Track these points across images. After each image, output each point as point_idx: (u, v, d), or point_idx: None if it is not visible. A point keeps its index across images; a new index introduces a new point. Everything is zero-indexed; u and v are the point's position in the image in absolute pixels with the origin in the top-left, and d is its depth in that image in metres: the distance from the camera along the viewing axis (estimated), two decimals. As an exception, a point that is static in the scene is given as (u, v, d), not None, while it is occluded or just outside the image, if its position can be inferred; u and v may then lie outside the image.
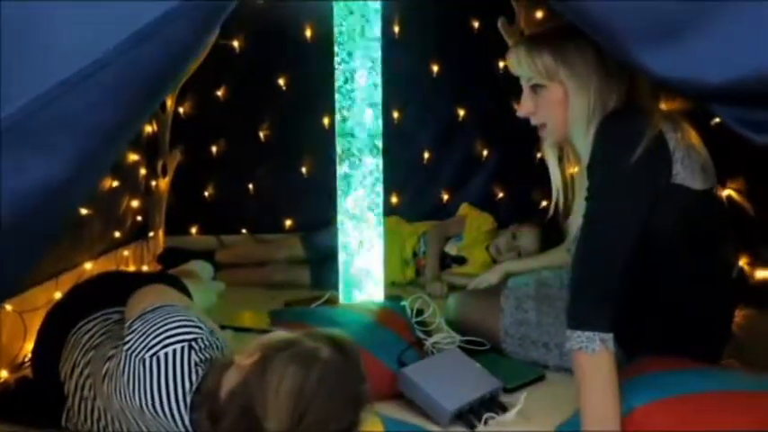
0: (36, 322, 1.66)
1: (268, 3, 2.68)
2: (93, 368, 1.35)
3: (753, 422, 1.22)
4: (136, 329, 1.25)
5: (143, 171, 2.73)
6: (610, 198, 1.31)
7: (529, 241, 2.57)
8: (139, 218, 2.73)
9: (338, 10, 1.97)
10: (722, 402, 1.27)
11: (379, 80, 2.01)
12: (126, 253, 2.58)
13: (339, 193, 2.06)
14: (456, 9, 2.82)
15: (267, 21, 2.72)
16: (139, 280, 1.60)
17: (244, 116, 2.92)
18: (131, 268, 2.59)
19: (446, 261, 2.75)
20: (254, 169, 2.99)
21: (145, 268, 2.68)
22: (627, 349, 1.43)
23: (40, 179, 0.87)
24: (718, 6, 0.95)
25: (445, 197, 3.10)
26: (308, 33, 2.82)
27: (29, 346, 1.73)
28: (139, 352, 1.21)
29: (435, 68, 2.96)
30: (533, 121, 1.49)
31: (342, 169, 2.04)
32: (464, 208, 2.92)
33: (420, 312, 2.06)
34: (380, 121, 2.03)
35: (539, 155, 2.86)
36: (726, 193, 1.63)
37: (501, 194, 3.09)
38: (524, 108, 1.48)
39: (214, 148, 2.95)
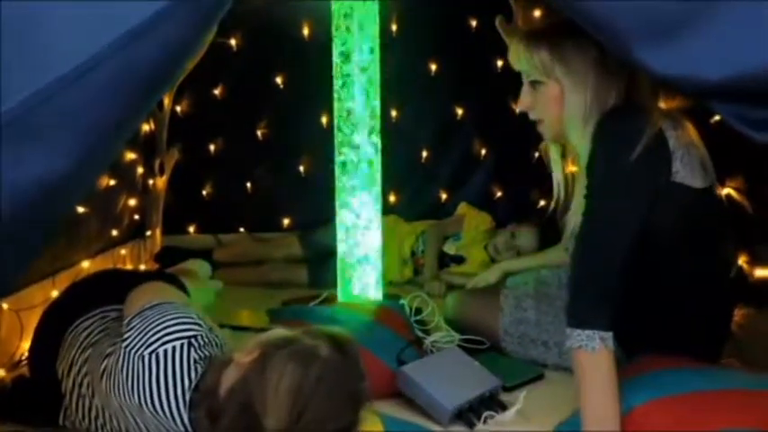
0: (33, 320, 1.65)
1: (266, 1, 2.67)
2: (91, 366, 1.35)
3: (752, 421, 1.22)
4: (134, 326, 1.24)
5: (140, 170, 2.73)
6: (609, 196, 1.31)
7: (527, 240, 2.58)
8: (137, 216, 2.72)
9: (336, 8, 1.96)
10: (721, 401, 1.27)
11: (377, 79, 2.01)
12: (123, 252, 2.57)
13: (337, 191, 2.05)
14: (454, 8, 2.82)
15: (265, 19, 2.72)
16: (137, 278, 1.60)
17: (241, 115, 2.91)
18: (128, 267, 2.58)
19: (444, 260, 2.75)
20: (251, 168, 2.99)
21: (142, 267, 2.67)
22: (626, 348, 1.43)
23: (38, 174, 0.88)
24: (718, 4, 0.95)
25: (443, 196, 3.10)
26: (306, 32, 2.82)
27: (26, 345, 1.73)
28: (138, 349, 1.21)
29: (433, 67, 2.96)
30: (531, 116, 1.49)
31: (339, 168, 2.04)
32: (462, 207, 2.92)
33: (419, 311, 2.06)
34: (378, 120, 2.03)
35: (537, 154, 2.88)
36: (725, 191, 1.63)
37: (499, 194, 3.09)
38: (522, 103, 1.49)
39: (212, 147, 2.95)
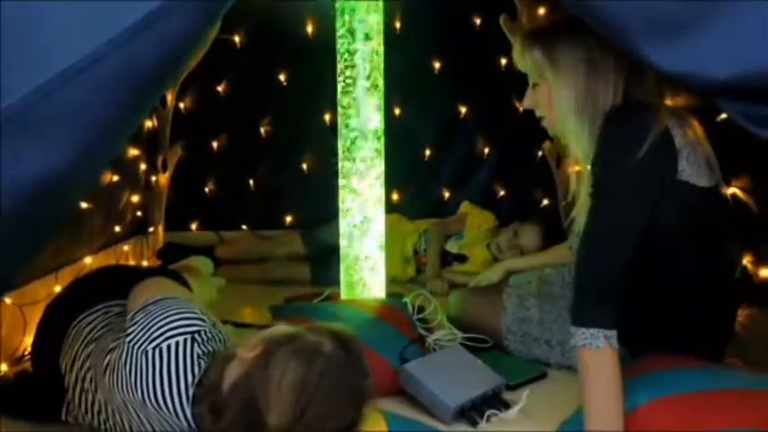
0: (36, 316, 1.65)
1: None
2: (94, 360, 1.35)
3: (755, 421, 1.21)
4: (138, 321, 1.24)
5: (143, 166, 2.73)
6: (614, 196, 1.31)
7: (530, 239, 2.57)
8: (139, 213, 2.73)
9: (340, 6, 1.96)
10: (724, 401, 1.27)
11: (380, 77, 2.00)
12: (126, 248, 2.58)
13: (340, 189, 2.05)
14: (458, 6, 2.82)
15: (268, 16, 2.72)
16: (141, 273, 1.60)
17: (244, 112, 2.92)
18: (131, 263, 2.58)
19: (447, 259, 2.75)
20: (254, 165, 2.99)
21: (144, 264, 2.67)
22: (630, 347, 1.42)
23: (38, 170, 0.87)
24: (725, 3, 0.95)
25: (446, 195, 3.09)
26: (310, 29, 2.82)
27: (28, 340, 1.73)
28: (142, 344, 1.21)
29: (437, 65, 2.95)
30: (537, 114, 1.51)
31: (342, 166, 2.04)
32: (465, 206, 2.92)
33: (421, 309, 2.05)
34: (382, 118, 2.03)
35: (540, 153, 2.88)
36: (730, 190, 1.62)
37: (502, 192, 3.08)
38: (526, 102, 1.51)
39: (215, 144, 2.95)
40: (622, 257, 1.28)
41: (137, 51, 0.88)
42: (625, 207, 1.30)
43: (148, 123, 2.70)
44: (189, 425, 1.19)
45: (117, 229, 2.49)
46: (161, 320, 1.22)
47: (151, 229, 2.81)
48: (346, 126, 2.01)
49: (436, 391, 1.52)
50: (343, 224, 2.06)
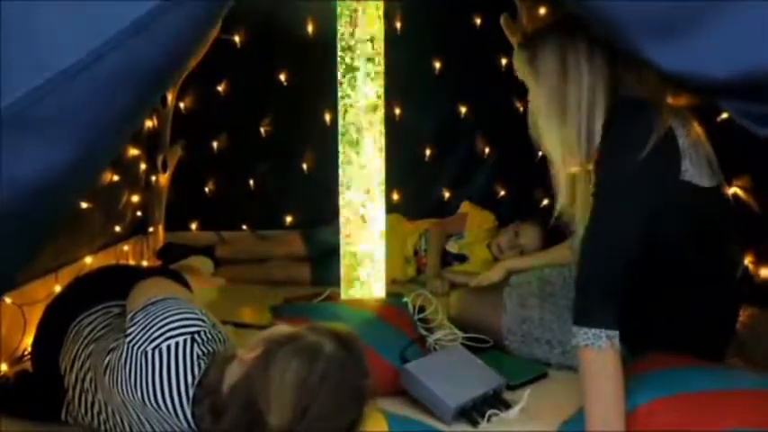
0: (36, 315, 1.65)
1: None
2: (94, 361, 1.35)
3: (756, 421, 1.21)
4: (138, 321, 1.24)
5: (143, 166, 2.73)
6: (617, 196, 1.31)
7: (530, 239, 2.57)
8: (139, 213, 2.73)
9: (340, 5, 1.96)
10: (725, 401, 1.26)
11: (380, 77, 2.00)
12: (126, 248, 2.58)
13: (340, 189, 2.05)
14: (458, 6, 2.81)
15: (269, 16, 2.72)
16: (141, 273, 1.59)
17: (245, 112, 2.91)
18: (131, 263, 2.58)
19: (447, 259, 2.75)
20: (254, 165, 2.99)
21: (144, 264, 2.67)
22: (631, 347, 1.42)
23: (38, 169, 0.88)
24: (725, 3, 0.95)
25: (447, 195, 3.09)
26: (310, 29, 2.81)
27: (28, 340, 1.73)
28: (142, 344, 1.20)
29: (437, 65, 2.95)
30: None
31: (343, 166, 2.03)
32: (465, 206, 2.92)
33: (422, 309, 2.05)
34: (382, 118, 2.02)
35: (540, 153, 2.87)
36: (731, 190, 1.62)
37: (502, 192, 3.08)
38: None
39: (215, 144, 2.95)
40: (624, 257, 1.28)
41: (137, 51, 0.88)
42: (627, 207, 1.30)
43: (148, 123, 2.70)
44: (189, 425, 1.18)
45: (117, 228, 2.49)
46: (161, 321, 1.22)
47: (151, 229, 2.81)
48: (346, 126, 2.00)
49: (437, 391, 1.52)
50: (343, 224, 2.06)
